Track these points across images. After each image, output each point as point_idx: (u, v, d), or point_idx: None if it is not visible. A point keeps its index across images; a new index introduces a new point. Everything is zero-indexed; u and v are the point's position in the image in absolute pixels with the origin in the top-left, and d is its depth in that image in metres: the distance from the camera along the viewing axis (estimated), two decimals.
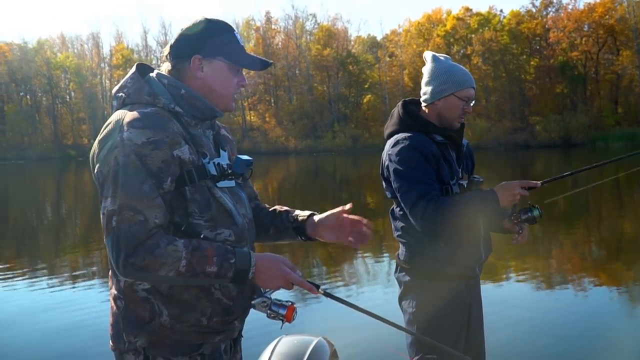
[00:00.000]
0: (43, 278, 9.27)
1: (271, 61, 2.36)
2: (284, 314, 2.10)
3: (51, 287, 8.61)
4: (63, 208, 22.26)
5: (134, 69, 2.23)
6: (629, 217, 15.12)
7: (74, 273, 9.78)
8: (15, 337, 6.36)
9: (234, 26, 2.28)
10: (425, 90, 3.22)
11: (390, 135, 3.22)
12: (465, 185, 3.19)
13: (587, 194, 20.62)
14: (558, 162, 37.88)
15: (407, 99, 3.33)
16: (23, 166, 56.28)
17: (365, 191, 23.27)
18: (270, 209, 2.52)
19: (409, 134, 3.11)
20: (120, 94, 2.17)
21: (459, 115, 3.16)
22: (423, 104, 3.24)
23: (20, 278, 9.28)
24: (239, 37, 2.24)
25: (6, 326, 6.76)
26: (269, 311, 2.10)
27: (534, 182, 3.01)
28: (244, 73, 2.29)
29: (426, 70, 3.25)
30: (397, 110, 3.27)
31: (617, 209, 16.63)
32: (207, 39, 2.17)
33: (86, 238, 13.95)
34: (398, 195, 3.08)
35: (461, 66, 3.28)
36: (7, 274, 9.66)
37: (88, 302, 7.57)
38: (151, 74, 2.22)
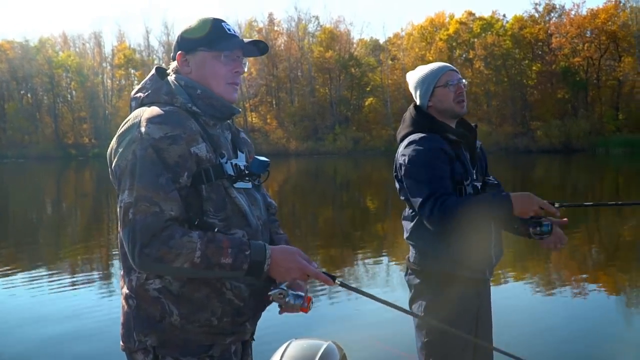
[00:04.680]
0: (43, 278, 9.21)
1: (258, 39, 2.31)
2: (300, 304, 2.07)
3: (50, 289, 8.55)
4: (63, 207, 22.22)
5: (153, 71, 2.27)
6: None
7: (74, 273, 9.74)
8: (17, 341, 6.27)
9: (236, 27, 2.26)
10: (418, 101, 3.28)
11: (404, 137, 3.21)
12: (480, 187, 3.16)
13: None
14: (558, 169, 37.84)
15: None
16: (23, 165, 56.28)
17: (365, 194, 23.27)
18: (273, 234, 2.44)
19: (423, 134, 3.10)
20: (139, 95, 2.22)
21: (454, 99, 3.18)
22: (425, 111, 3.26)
23: (20, 278, 9.23)
24: (228, 26, 2.24)
25: (7, 329, 6.70)
26: (286, 301, 2.06)
27: (553, 208, 2.91)
28: (243, 61, 2.28)
29: (410, 87, 3.34)
30: (409, 113, 3.27)
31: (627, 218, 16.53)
32: (190, 34, 2.21)
33: (86, 238, 13.92)
34: (408, 194, 3.06)
35: (432, 63, 3.37)
36: (7, 274, 9.61)
37: (88, 303, 7.55)
38: (169, 77, 2.25)
